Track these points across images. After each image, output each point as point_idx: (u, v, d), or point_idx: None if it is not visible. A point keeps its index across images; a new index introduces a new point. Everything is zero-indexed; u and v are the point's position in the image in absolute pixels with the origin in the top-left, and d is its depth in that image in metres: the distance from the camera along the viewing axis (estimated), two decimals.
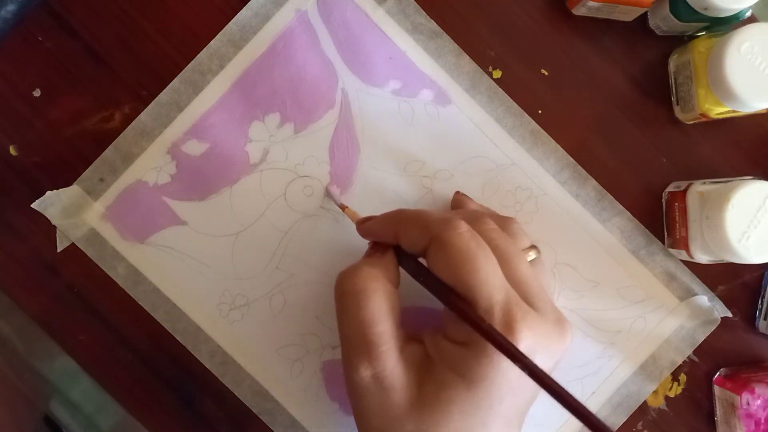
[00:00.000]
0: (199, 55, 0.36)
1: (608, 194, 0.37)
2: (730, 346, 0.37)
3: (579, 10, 0.36)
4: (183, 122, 0.36)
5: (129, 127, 0.36)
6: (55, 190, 0.34)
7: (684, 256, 0.35)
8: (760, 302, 0.37)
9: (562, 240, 0.37)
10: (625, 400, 0.37)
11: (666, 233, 0.37)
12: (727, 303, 0.37)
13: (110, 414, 0.38)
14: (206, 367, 0.36)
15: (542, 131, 0.37)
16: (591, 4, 0.34)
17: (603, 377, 0.37)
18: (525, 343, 0.25)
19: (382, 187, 0.36)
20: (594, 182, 0.37)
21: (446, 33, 0.36)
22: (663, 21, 0.35)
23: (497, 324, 0.25)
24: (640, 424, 0.37)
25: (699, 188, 0.34)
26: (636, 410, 0.37)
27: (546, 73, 0.37)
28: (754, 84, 0.31)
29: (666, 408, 0.37)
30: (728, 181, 0.33)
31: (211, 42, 0.36)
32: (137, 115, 0.36)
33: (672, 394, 0.38)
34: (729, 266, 0.36)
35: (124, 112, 0.36)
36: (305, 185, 0.36)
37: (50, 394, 0.38)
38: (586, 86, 0.37)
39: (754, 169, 0.37)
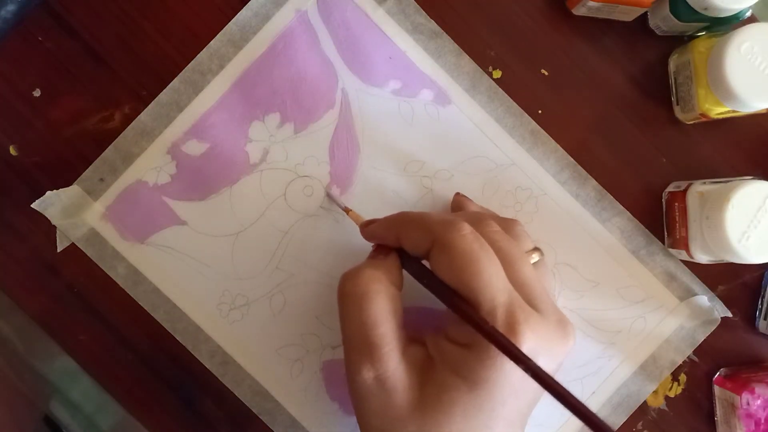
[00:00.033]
0: (199, 55, 0.36)
1: (608, 194, 0.37)
2: (730, 346, 0.37)
3: (579, 10, 0.36)
4: (183, 122, 0.36)
5: (129, 127, 0.36)
6: (55, 190, 0.34)
7: (684, 256, 0.35)
8: (760, 302, 0.37)
9: (562, 240, 0.37)
10: (625, 400, 0.37)
11: (666, 233, 0.37)
12: (727, 303, 0.37)
13: (110, 414, 0.38)
14: (206, 367, 0.36)
15: (542, 131, 0.37)
16: (591, 4, 0.34)
17: (603, 377, 0.37)
18: (528, 345, 0.25)
19: (382, 187, 0.36)
20: (594, 182, 0.37)
21: (446, 33, 0.36)
22: (663, 21, 0.35)
23: (500, 326, 0.25)
24: (640, 424, 0.37)
25: (699, 188, 0.34)
26: (636, 410, 0.37)
27: (546, 73, 0.37)
28: (754, 84, 0.32)
29: (666, 408, 0.37)
30: (728, 181, 0.33)
31: (211, 42, 0.36)
32: (137, 115, 0.36)
33: (672, 394, 0.38)
34: (729, 266, 0.36)
35: (124, 112, 0.36)
36: (305, 185, 0.36)
37: (50, 394, 0.38)
38: (586, 86, 0.37)
39: (754, 169, 0.37)
